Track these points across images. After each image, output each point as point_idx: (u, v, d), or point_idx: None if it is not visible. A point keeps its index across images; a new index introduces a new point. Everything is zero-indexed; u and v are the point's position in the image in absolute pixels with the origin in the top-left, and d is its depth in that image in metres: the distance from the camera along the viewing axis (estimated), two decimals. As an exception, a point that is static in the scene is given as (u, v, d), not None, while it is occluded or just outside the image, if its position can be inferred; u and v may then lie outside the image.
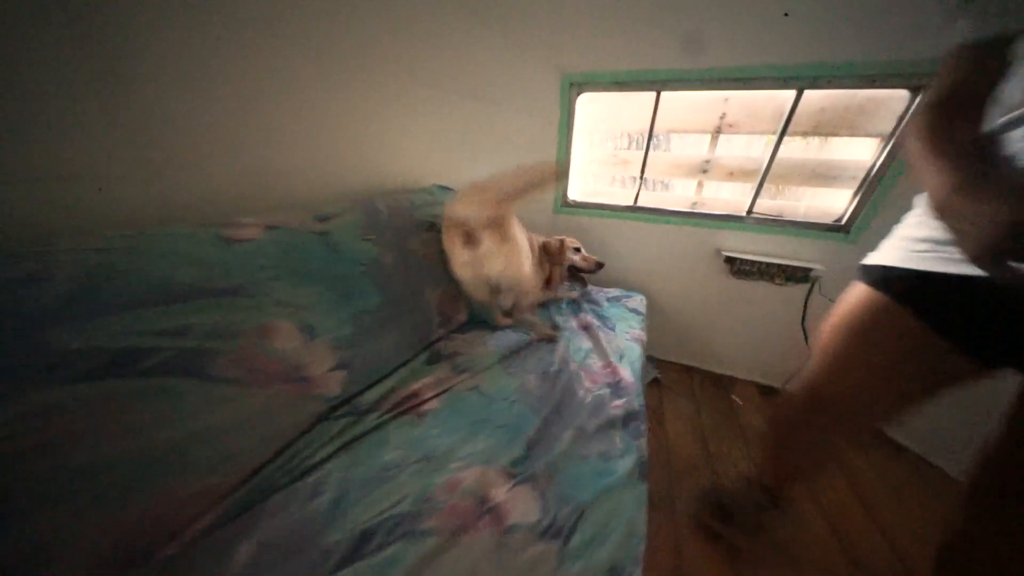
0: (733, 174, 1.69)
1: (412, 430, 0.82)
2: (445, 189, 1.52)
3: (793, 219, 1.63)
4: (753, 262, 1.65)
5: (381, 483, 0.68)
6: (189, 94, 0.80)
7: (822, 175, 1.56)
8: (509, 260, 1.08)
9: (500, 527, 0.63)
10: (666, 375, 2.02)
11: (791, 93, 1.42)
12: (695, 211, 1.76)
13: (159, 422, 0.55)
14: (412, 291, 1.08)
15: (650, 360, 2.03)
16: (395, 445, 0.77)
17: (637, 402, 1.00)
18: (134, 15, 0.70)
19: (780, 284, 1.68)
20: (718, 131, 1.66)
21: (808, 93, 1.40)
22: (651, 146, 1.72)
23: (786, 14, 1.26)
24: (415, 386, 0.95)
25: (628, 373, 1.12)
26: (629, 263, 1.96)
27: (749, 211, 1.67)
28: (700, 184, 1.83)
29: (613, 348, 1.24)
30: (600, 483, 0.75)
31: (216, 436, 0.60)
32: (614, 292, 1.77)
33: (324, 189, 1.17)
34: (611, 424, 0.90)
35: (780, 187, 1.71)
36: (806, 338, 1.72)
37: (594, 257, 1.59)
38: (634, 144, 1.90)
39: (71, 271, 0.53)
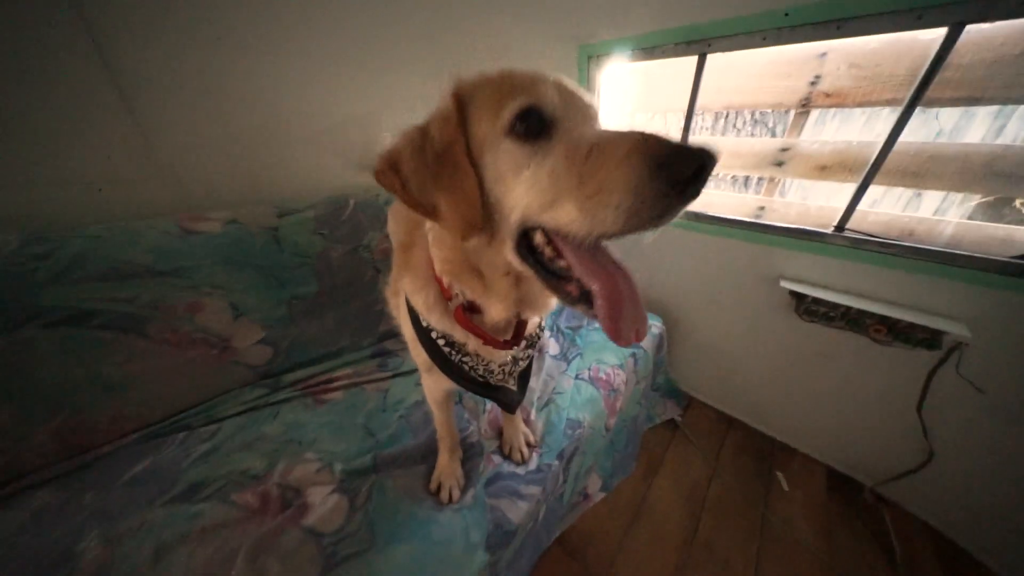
0: (826, 168, 1.14)
1: (303, 413, 0.93)
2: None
3: (927, 245, 1.00)
4: (835, 304, 1.12)
5: (245, 449, 0.81)
6: (210, 110, 1.02)
7: (1000, 173, 0.90)
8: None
9: (295, 520, 0.67)
10: (693, 419, 1.63)
11: (936, 32, 0.84)
12: (751, 220, 1.27)
13: (101, 361, 0.78)
14: (358, 283, 1.17)
15: (675, 395, 1.66)
16: (281, 421, 0.89)
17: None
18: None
19: (882, 342, 1.10)
20: (806, 104, 1.13)
21: (974, 30, 0.80)
22: (713, 127, 1.31)
23: None
24: (337, 373, 1.06)
25: (537, 426, 0.95)
26: (653, 277, 1.60)
27: (841, 225, 1.11)
28: (773, 180, 1.31)
29: (546, 390, 1.07)
30: (421, 529, 0.70)
31: (144, 381, 0.83)
32: (622, 309, 1.49)
33: (330, 183, 1.33)
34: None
35: (912, 190, 1.08)
36: (924, 431, 1.11)
37: None
38: (716, 124, 1.44)
39: (64, 252, 0.78)
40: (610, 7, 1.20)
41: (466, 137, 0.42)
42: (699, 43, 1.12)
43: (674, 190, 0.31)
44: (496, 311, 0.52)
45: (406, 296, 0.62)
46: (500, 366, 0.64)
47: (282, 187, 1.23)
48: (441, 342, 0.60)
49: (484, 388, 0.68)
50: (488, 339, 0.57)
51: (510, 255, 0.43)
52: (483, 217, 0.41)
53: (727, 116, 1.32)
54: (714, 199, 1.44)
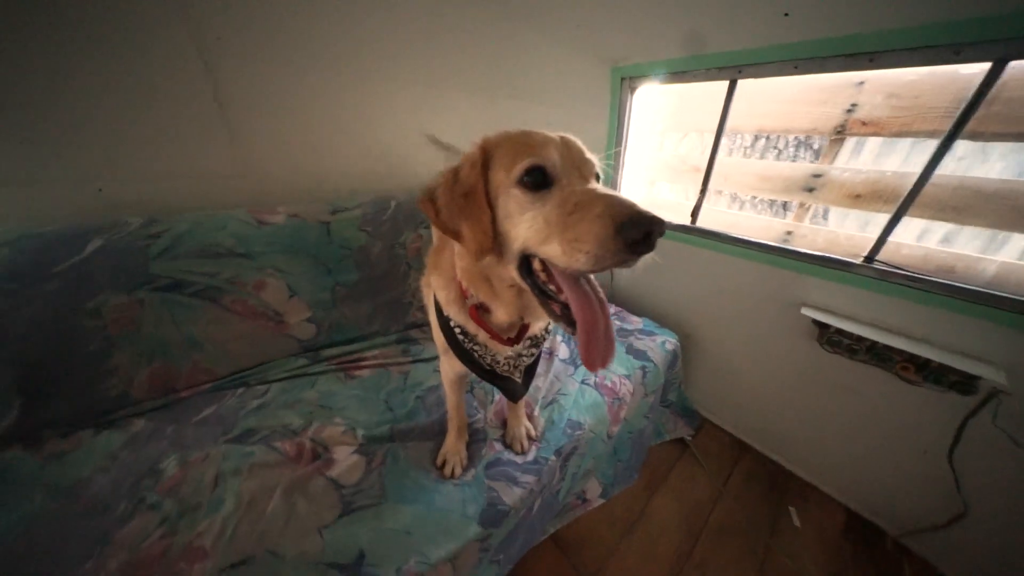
0: (860, 197, 1.12)
1: (336, 384, 1.07)
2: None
3: (965, 284, 0.95)
4: (859, 337, 1.09)
5: (287, 407, 0.96)
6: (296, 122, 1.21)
7: (1052, 214, 0.85)
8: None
9: (321, 471, 0.80)
10: (705, 440, 1.61)
11: (979, 66, 0.82)
12: (776, 244, 1.26)
13: (188, 322, 0.97)
14: (392, 276, 1.31)
15: (688, 415, 1.65)
16: (317, 389, 1.04)
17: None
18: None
19: (910, 381, 1.05)
20: (840, 131, 1.12)
21: (1018, 66, 0.77)
22: (746, 151, 1.32)
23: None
24: (367, 353, 1.20)
25: (539, 422, 1.02)
26: (673, 294, 1.61)
27: (871, 255, 1.08)
28: (803, 206, 1.29)
29: (551, 390, 1.13)
30: (425, 496, 0.80)
31: (217, 341, 1.00)
32: (637, 323, 1.52)
33: (376, 186, 1.49)
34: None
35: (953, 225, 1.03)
36: (957, 483, 1.04)
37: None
38: (741, 147, 1.45)
39: (170, 233, 0.98)
40: (644, 32, 1.26)
41: (486, 181, 0.53)
42: (730, 69, 1.15)
43: (629, 247, 0.41)
44: (502, 313, 0.64)
45: (433, 290, 0.74)
46: (505, 359, 0.74)
47: (338, 187, 1.40)
48: (457, 331, 0.71)
49: (490, 375, 0.78)
50: (494, 335, 0.69)
51: (513, 273, 0.55)
52: (494, 243, 0.53)
53: (768, 138, 1.30)
54: (740, 220, 1.44)
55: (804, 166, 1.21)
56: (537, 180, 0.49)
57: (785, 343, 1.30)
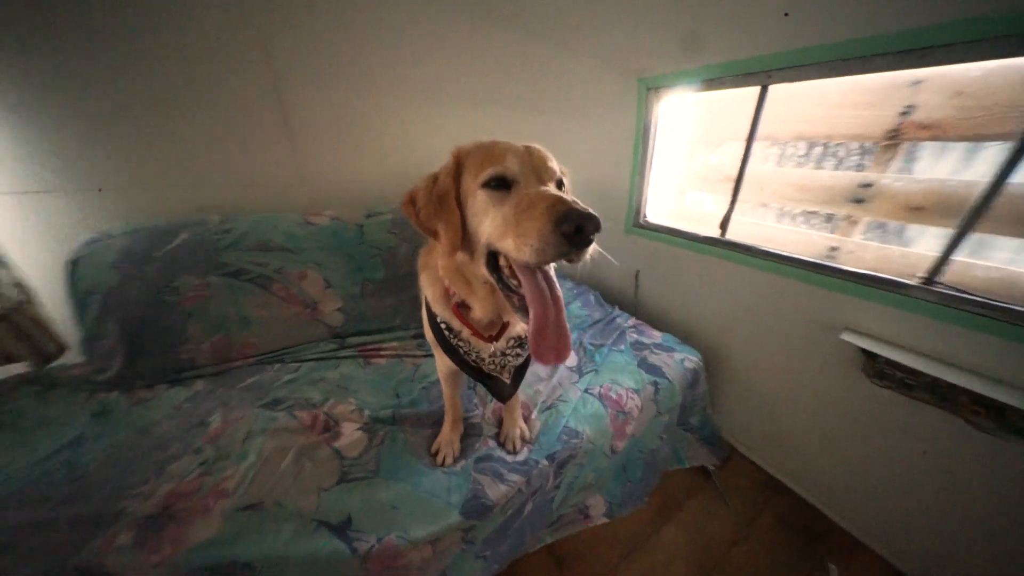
0: (920, 209, 0.98)
1: (355, 369, 1.19)
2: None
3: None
4: (916, 371, 0.94)
5: (311, 384, 1.09)
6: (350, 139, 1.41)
7: None
8: None
9: (328, 441, 0.90)
10: (731, 473, 1.47)
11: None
12: (813, 260, 1.13)
13: (243, 304, 1.16)
14: (415, 276, 1.41)
15: (713, 442, 1.52)
16: (339, 371, 1.16)
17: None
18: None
19: (983, 428, 0.87)
20: (894, 136, 0.99)
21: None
22: (798, 160, 1.24)
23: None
24: (386, 344, 1.31)
25: (536, 426, 1.02)
26: (699, 310, 1.51)
27: (931, 277, 0.93)
28: (850, 220, 1.15)
29: (552, 396, 1.13)
30: (414, 477, 0.86)
31: (263, 322, 1.18)
32: (656, 338, 1.45)
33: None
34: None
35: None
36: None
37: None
38: (791, 156, 1.33)
39: (237, 229, 1.19)
40: (669, 42, 1.25)
41: (458, 185, 0.61)
42: (759, 75, 1.09)
43: (567, 240, 0.46)
44: (479, 310, 0.71)
45: (422, 288, 0.82)
46: (490, 356, 0.78)
47: (383, 194, 1.57)
48: (443, 326, 0.79)
49: (478, 373, 0.83)
50: (476, 332, 0.75)
51: (482, 268, 0.61)
52: (465, 240, 0.60)
53: (825, 146, 1.18)
54: (775, 234, 1.32)
55: (850, 175, 1.09)
56: (499, 184, 0.57)
57: (826, 372, 1.15)
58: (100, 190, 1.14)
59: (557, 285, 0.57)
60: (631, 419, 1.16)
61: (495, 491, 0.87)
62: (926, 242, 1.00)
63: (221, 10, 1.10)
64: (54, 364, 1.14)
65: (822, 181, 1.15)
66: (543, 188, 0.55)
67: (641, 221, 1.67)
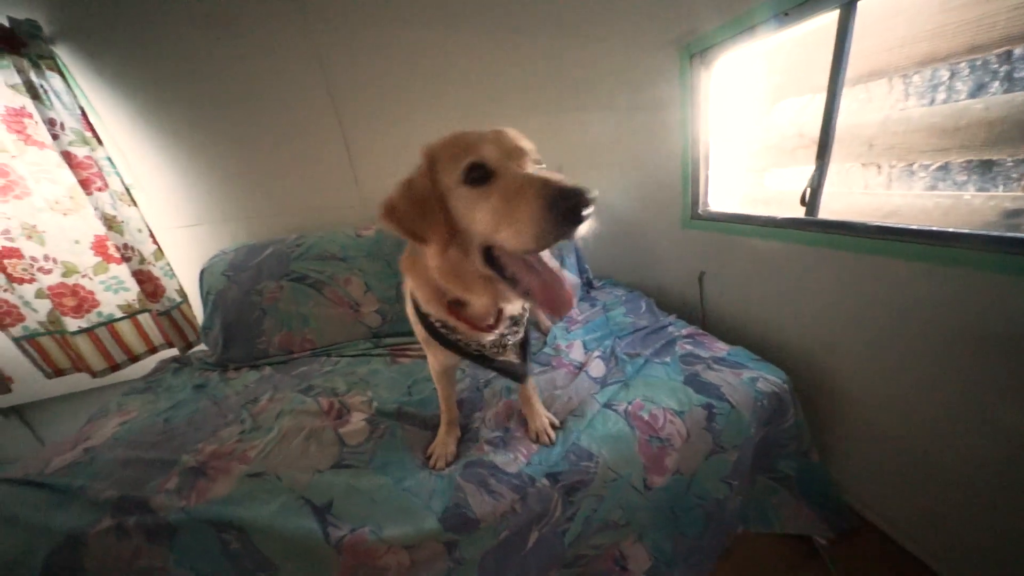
0: None
1: (382, 366, 1.27)
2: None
3: None
4: None
5: (342, 377, 1.20)
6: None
7: None
8: None
9: (335, 427, 0.96)
10: (856, 553, 1.01)
11: None
12: (983, 233, 0.73)
13: (303, 304, 1.37)
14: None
15: (827, 505, 1.08)
16: (368, 367, 1.26)
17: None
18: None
19: None
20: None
21: None
22: (905, 93, 0.89)
23: None
24: (414, 345, 1.37)
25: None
26: (788, 317, 1.13)
27: None
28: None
29: (565, 408, 0.99)
30: (400, 473, 0.84)
31: (317, 320, 1.38)
32: (721, 351, 1.14)
33: None
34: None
35: None
36: None
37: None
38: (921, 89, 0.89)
39: (305, 243, 1.44)
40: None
41: (436, 185, 0.59)
42: (837, -9, 0.81)
43: (563, 219, 0.45)
44: (479, 305, 0.69)
45: (410, 290, 0.82)
46: (489, 340, 0.77)
47: None
48: (438, 324, 0.77)
49: (483, 360, 0.81)
50: (473, 325, 0.72)
51: (480, 265, 0.59)
52: (458, 238, 0.58)
53: (984, 61, 0.77)
54: (900, 203, 0.92)
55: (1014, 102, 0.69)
56: (479, 176, 0.53)
57: (1012, 408, 0.71)
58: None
59: (550, 259, 0.59)
60: (671, 449, 0.92)
61: (479, 503, 0.78)
62: None
63: (288, 65, 1.40)
64: (194, 349, 1.54)
65: (976, 114, 0.75)
66: (526, 172, 0.52)
67: (701, 212, 1.39)
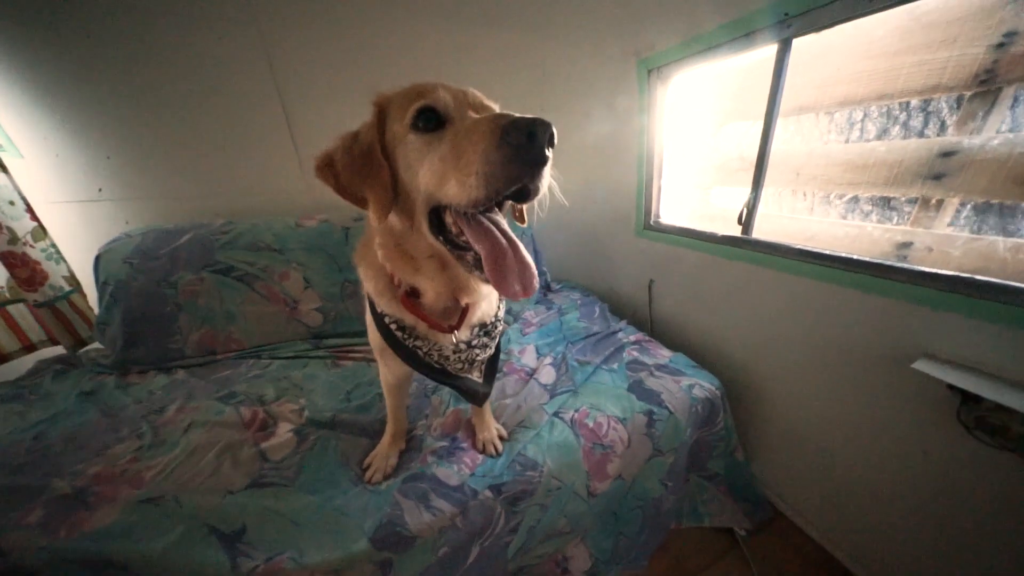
0: (1041, 180, 0.65)
1: (321, 370, 1.16)
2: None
3: None
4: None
5: (273, 381, 1.08)
6: None
7: None
8: None
9: (257, 440, 0.86)
10: (770, 542, 1.12)
11: None
12: (875, 261, 0.83)
13: (228, 300, 1.22)
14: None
15: (749, 498, 1.17)
16: (305, 371, 1.15)
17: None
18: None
19: None
20: (987, 80, 0.70)
21: None
22: (850, 130, 0.98)
23: None
24: (359, 346, 1.28)
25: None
26: (723, 326, 1.22)
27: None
28: (926, 203, 0.83)
29: (513, 419, 0.97)
30: (330, 491, 0.77)
31: (246, 318, 1.23)
32: (665, 357, 1.20)
33: None
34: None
35: None
36: None
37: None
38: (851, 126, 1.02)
39: (234, 231, 1.28)
40: (667, 10, 1.08)
41: (384, 137, 0.52)
42: (777, 27, 0.87)
43: (517, 155, 0.38)
44: (431, 291, 0.60)
45: (363, 284, 0.73)
46: (454, 352, 0.68)
47: None
48: (393, 326, 0.67)
49: (442, 375, 0.72)
50: (432, 323, 0.64)
51: (426, 232, 0.51)
52: (400, 203, 0.51)
53: (906, 106, 0.87)
54: (817, 229, 1.02)
55: (921, 143, 0.78)
56: (431, 123, 0.47)
57: (897, 417, 0.81)
58: (100, 189, 1.31)
59: (507, 228, 0.49)
60: (614, 455, 0.94)
61: (416, 519, 0.74)
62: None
63: (226, 28, 1.23)
64: (87, 348, 1.31)
65: (880, 155, 0.85)
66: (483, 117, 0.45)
67: (653, 222, 1.45)
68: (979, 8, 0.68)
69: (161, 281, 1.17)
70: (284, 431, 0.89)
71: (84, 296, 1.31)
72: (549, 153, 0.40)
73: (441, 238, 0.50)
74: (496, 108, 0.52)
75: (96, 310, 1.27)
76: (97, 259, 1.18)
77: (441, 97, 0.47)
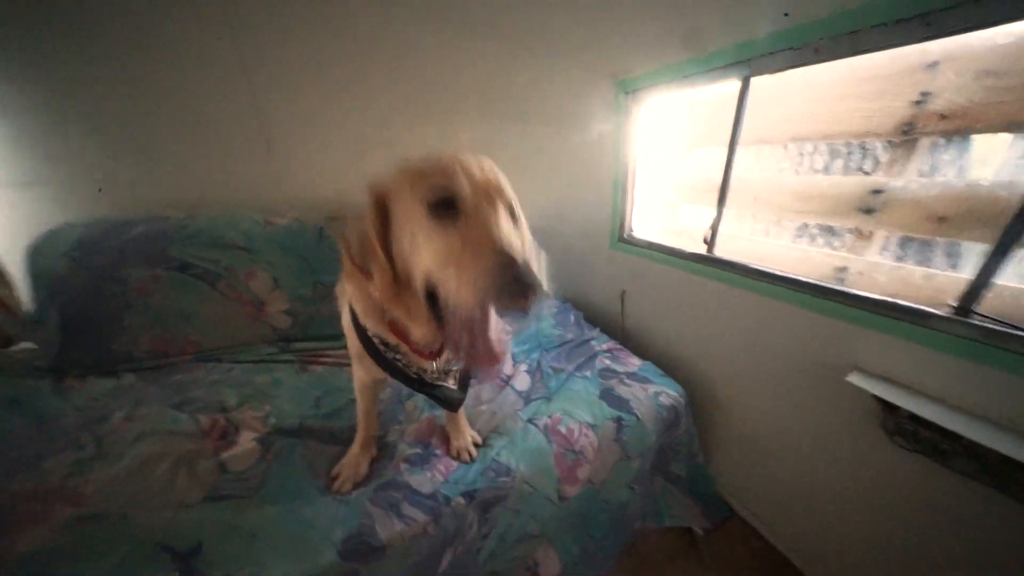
0: (945, 220, 0.77)
1: (289, 375, 1.11)
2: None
3: None
4: (953, 434, 0.69)
5: (235, 387, 1.03)
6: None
7: None
8: None
9: (216, 450, 0.81)
10: (725, 540, 1.20)
11: None
12: (814, 283, 0.93)
13: (185, 298, 1.14)
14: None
15: (708, 500, 1.25)
16: (270, 377, 1.09)
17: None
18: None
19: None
20: (908, 131, 0.81)
21: None
22: (802, 163, 1.08)
23: None
24: (330, 351, 1.24)
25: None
26: (687, 337, 1.30)
27: (966, 306, 0.70)
28: (860, 233, 0.94)
29: (488, 425, 0.98)
30: (296, 502, 0.74)
31: (205, 318, 1.16)
32: (634, 366, 1.26)
33: None
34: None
35: None
36: None
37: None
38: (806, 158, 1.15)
39: (195, 226, 1.20)
40: (644, 38, 1.14)
41: (386, 219, 0.54)
42: (739, 65, 0.96)
43: (507, 295, 0.43)
44: (418, 333, 0.62)
45: (348, 297, 0.73)
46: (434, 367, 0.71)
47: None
48: (376, 340, 0.69)
49: (419, 384, 0.74)
50: (415, 350, 0.67)
51: (422, 299, 0.54)
52: (400, 266, 0.55)
53: (830, 147, 1.00)
54: (772, 251, 1.13)
55: (858, 180, 0.89)
56: (443, 209, 0.49)
57: (836, 424, 0.91)
58: (100, 190, 1.22)
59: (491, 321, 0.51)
60: (584, 461, 0.98)
61: (387, 529, 0.73)
62: (960, 261, 0.78)
63: (199, 23, 1.16)
64: (14, 347, 1.17)
65: (822, 189, 0.96)
66: (496, 217, 0.49)
67: (626, 235, 1.52)
68: (902, 68, 0.79)
69: (107, 277, 1.08)
70: (247, 440, 0.85)
71: (12, 290, 1.18)
72: (529, 298, 0.44)
73: (434, 311, 0.53)
74: (507, 188, 0.55)
75: (26, 306, 1.14)
76: (30, 250, 1.07)
77: (462, 185, 0.49)
